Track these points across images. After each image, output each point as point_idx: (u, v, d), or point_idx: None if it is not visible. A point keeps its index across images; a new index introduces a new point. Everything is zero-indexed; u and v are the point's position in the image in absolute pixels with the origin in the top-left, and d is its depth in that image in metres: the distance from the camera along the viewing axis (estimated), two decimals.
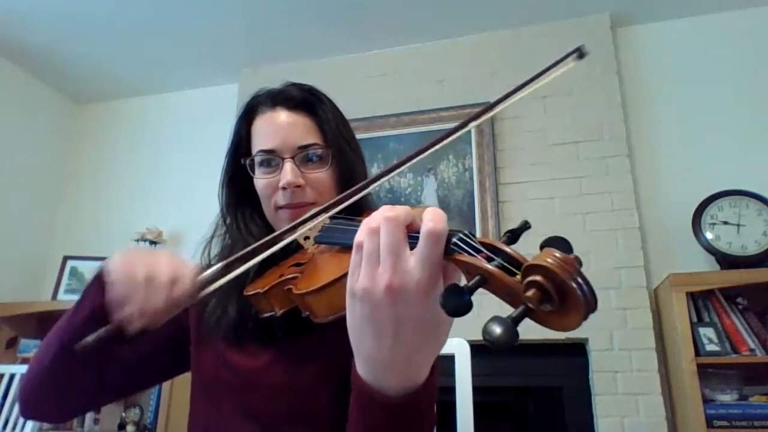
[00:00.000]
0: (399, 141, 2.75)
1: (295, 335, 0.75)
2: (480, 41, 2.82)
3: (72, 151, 3.42)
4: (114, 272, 0.60)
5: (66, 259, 2.99)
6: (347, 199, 0.63)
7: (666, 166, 2.50)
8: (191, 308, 0.83)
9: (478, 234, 2.46)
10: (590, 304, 0.35)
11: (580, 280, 0.35)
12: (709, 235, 2.22)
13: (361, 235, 0.46)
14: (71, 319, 0.72)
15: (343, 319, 0.50)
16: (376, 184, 0.64)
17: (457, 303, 0.37)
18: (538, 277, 0.36)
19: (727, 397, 1.97)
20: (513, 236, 0.44)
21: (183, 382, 2.91)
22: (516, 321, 0.35)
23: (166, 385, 2.50)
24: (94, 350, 0.58)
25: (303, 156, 0.79)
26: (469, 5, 2.64)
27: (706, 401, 1.94)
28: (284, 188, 0.77)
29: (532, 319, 0.37)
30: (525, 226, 0.45)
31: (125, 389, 0.86)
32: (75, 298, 2.88)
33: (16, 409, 1.95)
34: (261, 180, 0.80)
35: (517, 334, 0.34)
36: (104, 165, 3.34)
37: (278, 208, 0.79)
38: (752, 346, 1.98)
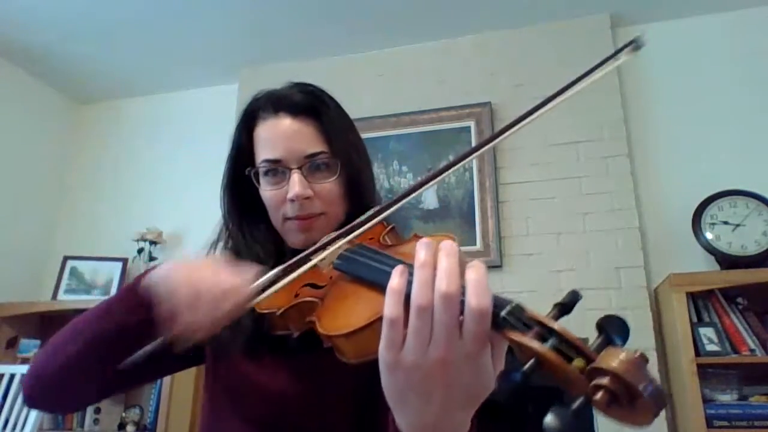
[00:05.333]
0: (399, 141, 2.75)
1: (311, 350, 0.72)
2: (480, 41, 2.82)
3: (72, 151, 3.42)
4: (163, 285, 0.58)
5: (66, 259, 2.99)
6: (369, 222, 0.62)
7: (666, 166, 2.50)
8: None
9: (478, 236, 2.45)
10: (660, 405, 0.35)
11: (647, 383, 0.34)
12: (709, 235, 2.22)
13: (397, 308, 0.42)
14: (104, 322, 0.69)
15: (372, 362, 0.49)
16: (399, 204, 0.62)
17: (513, 389, 0.37)
18: (605, 381, 0.35)
19: (727, 397, 1.97)
20: (563, 309, 0.42)
21: (183, 382, 2.89)
22: (577, 413, 0.35)
23: (166, 385, 2.50)
24: (139, 365, 0.56)
25: (310, 165, 0.76)
26: (469, 5, 2.64)
27: (706, 401, 1.94)
28: (292, 200, 0.74)
29: (597, 411, 0.37)
30: (575, 299, 0.42)
31: (134, 384, 0.84)
32: (75, 298, 2.87)
33: (17, 408, 1.96)
34: (267, 191, 0.77)
35: (577, 426, 0.34)
36: (104, 165, 3.34)
37: (287, 218, 0.77)
38: (752, 346, 1.98)
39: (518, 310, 0.40)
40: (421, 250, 0.43)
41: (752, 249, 2.15)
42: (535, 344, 0.38)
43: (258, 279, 0.59)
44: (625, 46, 0.64)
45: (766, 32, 2.55)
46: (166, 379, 2.49)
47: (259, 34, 2.87)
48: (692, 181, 2.40)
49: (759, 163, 2.38)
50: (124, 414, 2.63)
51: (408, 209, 2.60)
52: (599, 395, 0.35)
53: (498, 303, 0.41)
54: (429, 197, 2.62)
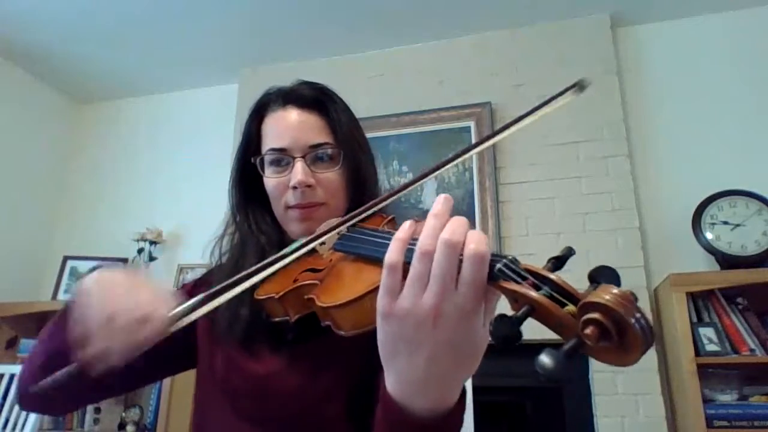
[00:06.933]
0: (399, 141, 2.75)
1: (306, 339, 0.73)
2: (480, 41, 2.82)
3: (72, 151, 3.42)
4: (78, 307, 0.55)
5: (66, 259, 2.99)
6: (368, 210, 0.62)
7: (666, 166, 2.50)
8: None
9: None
10: (648, 340, 0.35)
11: (639, 316, 0.35)
12: (709, 235, 2.22)
13: (397, 254, 0.44)
14: (47, 344, 0.71)
15: (368, 333, 0.49)
16: (397, 195, 0.63)
17: (507, 333, 0.37)
18: (596, 315, 0.35)
19: (727, 397, 1.97)
20: (558, 263, 0.43)
21: (183, 382, 2.87)
22: (569, 354, 0.35)
23: (166, 384, 2.50)
24: (57, 390, 0.54)
25: (314, 155, 0.77)
26: (469, 5, 2.64)
27: (706, 401, 1.94)
28: (295, 188, 0.75)
29: (586, 353, 0.37)
30: (569, 253, 0.44)
31: (124, 389, 0.85)
32: None
33: (16, 408, 1.95)
34: (271, 179, 0.79)
35: (570, 367, 0.34)
36: (104, 165, 3.34)
37: (288, 207, 0.78)
38: (752, 346, 1.98)
39: (514, 262, 0.42)
40: (438, 203, 0.45)
41: (752, 249, 2.15)
42: (530, 292, 0.39)
43: (179, 304, 0.55)
44: (570, 87, 0.65)
45: (766, 32, 2.55)
46: (166, 380, 2.49)
47: (259, 34, 2.87)
48: (692, 181, 2.39)
49: (759, 163, 2.38)
50: (124, 414, 2.64)
51: (407, 209, 2.61)
52: (590, 329, 0.35)
53: (495, 256, 0.43)
54: (428, 197, 2.62)
